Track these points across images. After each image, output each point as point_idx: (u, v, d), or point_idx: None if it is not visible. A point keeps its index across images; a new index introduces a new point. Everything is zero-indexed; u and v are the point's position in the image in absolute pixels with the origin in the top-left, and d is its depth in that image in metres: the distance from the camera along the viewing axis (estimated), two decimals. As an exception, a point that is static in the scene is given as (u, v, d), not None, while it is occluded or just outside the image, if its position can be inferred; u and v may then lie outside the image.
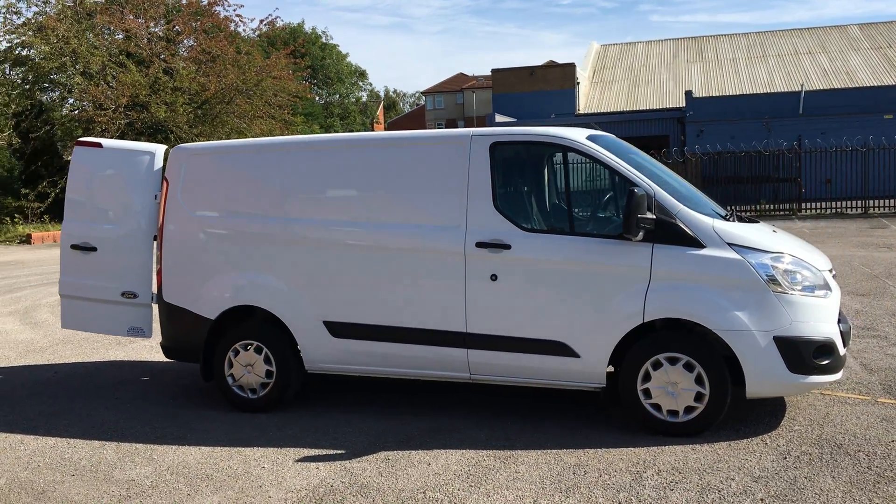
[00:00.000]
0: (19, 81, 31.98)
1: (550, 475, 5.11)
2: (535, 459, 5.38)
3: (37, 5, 30.87)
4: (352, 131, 57.94)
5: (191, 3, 32.77)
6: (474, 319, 6.09)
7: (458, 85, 75.00)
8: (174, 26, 32.67)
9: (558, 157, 6.07)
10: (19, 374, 8.41)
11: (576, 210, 6.21)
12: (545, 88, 45.53)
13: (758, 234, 5.87)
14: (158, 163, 7.14)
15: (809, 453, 5.33)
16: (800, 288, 5.66)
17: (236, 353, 6.73)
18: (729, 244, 5.66)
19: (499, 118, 41.31)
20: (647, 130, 40.06)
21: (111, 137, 25.71)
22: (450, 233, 6.13)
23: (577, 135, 6.08)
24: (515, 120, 42.95)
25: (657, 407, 5.77)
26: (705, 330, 5.63)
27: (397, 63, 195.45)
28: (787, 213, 27.28)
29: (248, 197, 6.80)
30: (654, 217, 5.70)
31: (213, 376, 6.83)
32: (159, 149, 7.20)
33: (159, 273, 6.99)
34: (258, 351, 6.67)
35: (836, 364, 5.72)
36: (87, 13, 30.61)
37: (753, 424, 5.92)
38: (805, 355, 5.57)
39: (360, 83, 61.36)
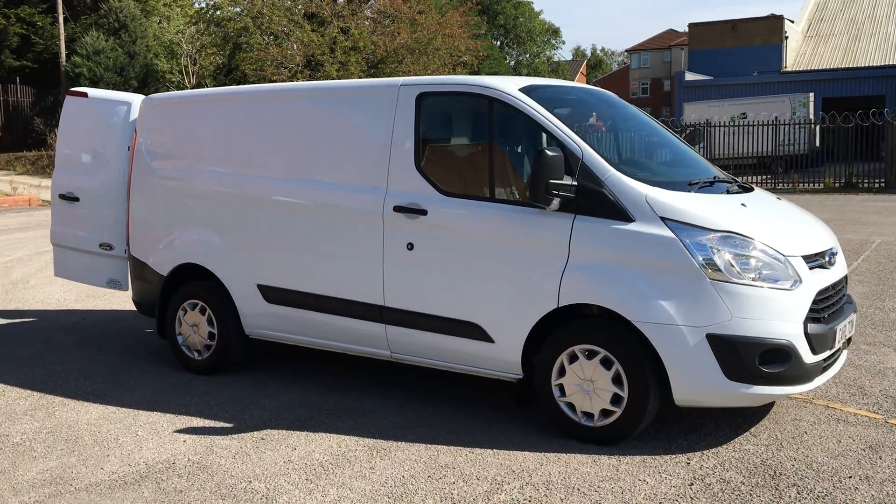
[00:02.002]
0: (220, 41, 34.01)
1: (399, 477, 4.46)
2: (408, 456, 4.74)
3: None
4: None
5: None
6: (391, 292, 5.47)
7: (665, 42, 71.10)
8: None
9: (488, 109, 5.24)
10: (53, 317, 8.74)
11: (509, 173, 5.38)
12: (748, 43, 42.15)
13: (709, 206, 4.78)
14: (134, 113, 7.02)
15: (728, 481, 4.30)
16: (752, 276, 4.56)
17: (185, 312, 6.53)
18: (662, 218, 4.65)
19: (690, 76, 38.88)
20: (861, 90, 36.18)
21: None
22: (370, 194, 5.52)
23: (507, 85, 5.22)
24: (711, 78, 40.21)
25: (572, 407, 4.92)
26: (624, 321, 4.69)
27: (607, 20, 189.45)
28: None
29: (191, 150, 6.54)
30: (575, 183, 4.79)
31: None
32: (136, 98, 7.09)
33: (128, 226, 6.93)
34: (202, 311, 6.43)
35: (794, 374, 4.58)
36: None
37: (699, 436, 4.91)
38: (746, 360, 4.49)
39: (553, 41, 59.84)
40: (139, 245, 6.82)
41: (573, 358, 4.86)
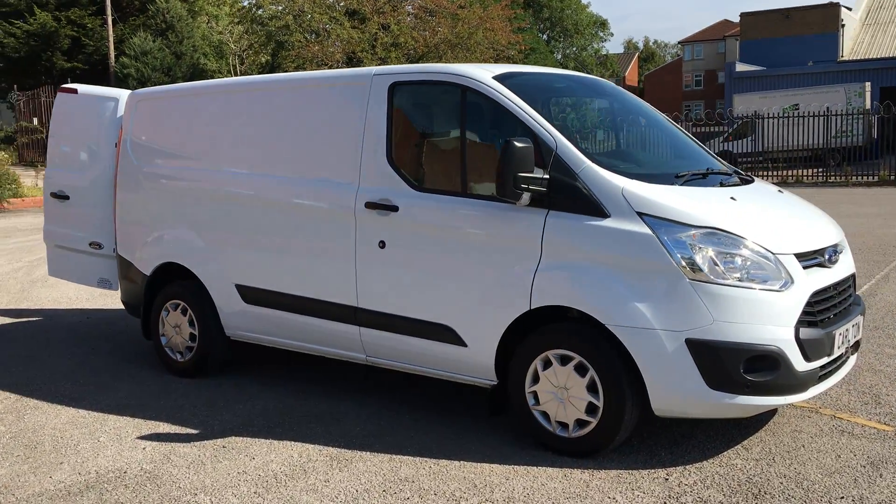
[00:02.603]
0: (264, 40, 34.20)
1: (352, 491, 4.18)
2: (368, 467, 4.46)
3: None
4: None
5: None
6: (364, 293, 5.19)
7: (719, 33, 69.34)
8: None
9: (461, 99, 4.92)
10: (61, 316, 8.68)
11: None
12: (802, 32, 40.87)
13: (692, 200, 4.40)
14: (121, 109, 6.87)
15: (705, 501, 3.93)
16: (738, 276, 4.17)
17: (167, 312, 6.35)
18: (639, 213, 4.28)
19: (740, 67, 37.85)
20: (920, 79, 34.77)
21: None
22: (343, 189, 5.25)
23: (480, 73, 4.90)
24: (763, 69, 39.11)
25: (546, 416, 4.58)
26: (599, 324, 4.34)
27: (661, 11, 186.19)
28: None
29: (171, 146, 6.36)
30: (547, 176, 4.45)
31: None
32: (124, 94, 6.94)
33: (115, 224, 6.79)
34: (184, 312, 6.24)
35: (784, 383, 4.18)
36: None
37: (685, 449, 4.53)
38: (730, 367, 4.11)
39: (601, 34, 58.71)
40: (125, 244, 6.67)
41: (547, 364, 4.53)
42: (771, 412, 5.04)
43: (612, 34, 73.21)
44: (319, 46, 29.92)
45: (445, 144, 5.06)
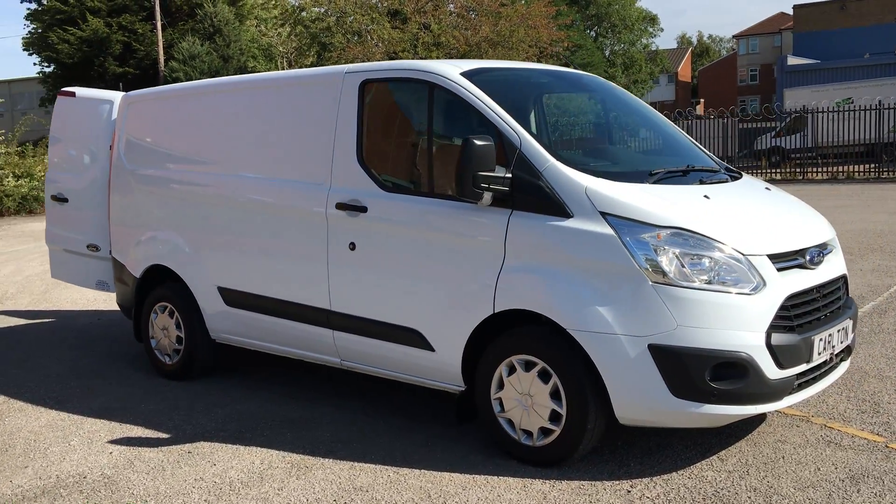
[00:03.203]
0: (308, 41, 34.43)
1: (303, 500, 4.06)
2: (327, 475, 4.35)
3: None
4: (636, 81, 54.96)
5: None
6: (337, 296, 5.09)
7: (775, 26, 67.57)
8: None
9: (428, 96, 4.78)
10: (73, 317, 8.78)
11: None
12: (858, 24, 39.65)
13: (659, 199, 4.18)
14: (115, 112, 6.90)
15: (664, 516, 3.74)
16: (705, 279, 3.96)
17: (156, 315, 6.34)
18: (602, 213, 4.09)
19: (792, 60, 36.86)
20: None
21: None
22: (315, 190, 5.15)
23: (448, 69, 4.75)
24: (816, 62, 38.05)
25: (512, 423, 4.42)
26: (562, 329, 4.16)
27: (717, 5, 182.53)
28: None
29: (158, 147, 6.35)
30: (509, 175, 4.29)
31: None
32: (118, 97, 6.96)
33: (109, 227, 6.81)
34: (171, 315, 6.22)
35: (753, 391, 3.94)
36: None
37: (657, 459, 4.33)
38: (695, 374, 3.90)
39: (651, 29, 57.67)
40: (118, 246, 6.69)
41: (512, 369, 4.37)
42: (758, 420, 4.81)
43: (661, 29, 72.00)
44: (361, 47, 29.97)
45: (414, 143, 4.92)
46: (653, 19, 57.71)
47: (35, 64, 39.38)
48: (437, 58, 29.25)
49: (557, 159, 4.28)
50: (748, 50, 69.73)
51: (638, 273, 3.95)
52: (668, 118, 31.25)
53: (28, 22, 42.12)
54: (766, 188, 4.95)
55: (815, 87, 32.82)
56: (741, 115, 28.35)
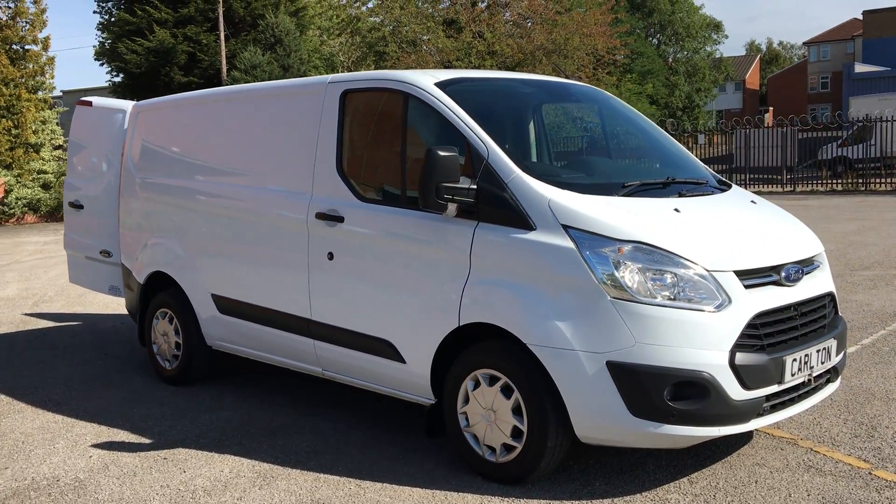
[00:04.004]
0: (364, 50, 34.77)
1: (258, 508, 4.09)
2: (288, 486, 4.33)
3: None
4: (699, 90, 53.93)
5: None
6: (317, 305, 5.09)
7: (848, 32, 65.53)
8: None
9: (403, 106, 4.75)
10: (98, 321, 8.99)
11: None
12: (932, 30, 38.26)
13: (623, 213, 4.06)
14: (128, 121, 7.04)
15: (613, 539, 3.62)
16: (667, 294, 3.84)
17: (157, 320, 6.45)
18: (564, 226, 4.00)
19: (860, 68, 35.74)
20: None
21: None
22: (297, 200, 5.16)
23: (422, 79, 4.71)
24: (886, 69, 36.83)
25: (477, 438, 4.35)
26: (522, 343, 4.08)
27: (789, 12, 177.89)
28: None
29: (160, 155, 6.46)
30: (474, 187, 4.23)
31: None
32: (131, 106, 7.11)
33: (119, 233, 6.95)
34: (171, 321, 6.31)
35: (715, 412, 3.80)
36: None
37: (624, 479, 4.20)
38: (653, 393, 3.77)
39: (715, 36, 56.46)
40: (126, 253, 6.82)
41: (477, 384, 4.30)
42: (740, 441, 4.63)
43: (726, 36, 70.33)
44: (415, 56, 30.12)
45: (389, 153, 4.90)
46: (717, 26, 56.63)
47: (106, 73, 40.61)
48: (491, 66, 29.25)
49: (524, 170, 4.21)
50: (819, 57, 67.94)
51: (596, 288, 3.84)
52: (727, 128, 30.50)
53: (99, 33, 43.47)
54: (752, 201, 4.78)
55: (883, 96, 31.75)
56: (812, 123, 27.41)
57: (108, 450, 5.00)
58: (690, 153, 5.36)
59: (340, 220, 4.87)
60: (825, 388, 4.40)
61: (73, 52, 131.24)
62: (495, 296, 4.17)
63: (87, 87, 57.67)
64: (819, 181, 26.47)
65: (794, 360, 4.00)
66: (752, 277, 3.98)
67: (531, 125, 5.29)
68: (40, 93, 25.21)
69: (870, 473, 4.19)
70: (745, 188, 26.49)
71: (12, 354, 7.59)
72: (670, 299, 3.82)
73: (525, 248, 4.06)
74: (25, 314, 9.64)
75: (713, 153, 34.25)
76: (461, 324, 4.29)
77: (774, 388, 3.95)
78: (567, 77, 28.70)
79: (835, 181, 25.93)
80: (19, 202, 24.02)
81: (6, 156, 24.12)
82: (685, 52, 54.43)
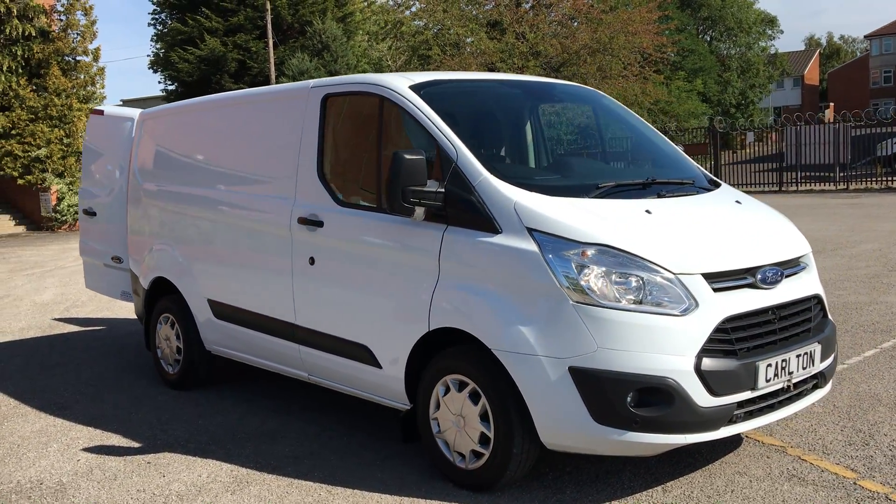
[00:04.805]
0: (409, 54, 34.90)
1: (225, 513, 4.09)
2: (260, 492, 4.32)
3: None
4: (753, 86, 52.73)
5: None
6: (301, 310, 5.09)
7: (911, 24, 63.75)
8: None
9: (379, 110, 4.72)
10: (123, 326, 9.16)
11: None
12: None
13: (589, 215, 3.96)
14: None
15: (570, 549, 3.52)
16: (630, 298, 3.73)
17: (160, 325, 6.53)
18: (529, 229, 3.92)
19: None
20: None
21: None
22: (282, 205, 5.17)
23: (397, 82, 4.67)
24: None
25: (448, 444, 4.29)
26: (488, 349, 4.01)
27: (858, 4, 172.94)
28: None
29: (160, 162, 6.54)
30: (441, 190, 4.18)
31: (156, 347, 6.73)
32: (137, 114, 7.21)
33: (128, 239, 7.06)
34: (172, 326, 6.39)
35: (681, 420, 3.67)
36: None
37: (598, 487, 4.09)
38: (615, 400, 3.67)
39: (769, 31, 54.96)
40: (133, 258, 6.92)
41: (448, 389, 4.25)
42: (728, 447, 4.49)
43: (781, 31, 68.63)
44: (458, 59, 30.11)
45: (366, 157, 4.87)
46: (772, 21, 55.28)
47: (159, 82, 41.53)
48: (534, 67, 29.07)
49: (493, 173, 4.14)
50: (881, 50, 65.97)
51: (559, 292, 3.76)
52: (777, 124, 29.70)
53: (153, 43, 44.50)
54: (737, 201, 4.62)
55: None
56: (866, 119, 26.53)
57: (97, 454, 5.07)
58: (683, 153, 5.22)
59: (320, 224, 4.86)
60: (811, 394, 4.24)
61: (128, 63, 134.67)
62: (463, 300, 4.11)
63: (144, 96, 59.13)
64: (874, 178, 25.65)
65: (770, 365, 3.86)
66: (723, 280, 3.85)
67: (512, 127, 5.21)
68: (91, 103, 25.80)
69: (854, 483, 4.02)
70: (797, 187, 25.84)
71: (32, 359, 7.77)
72: (635, 303, 3.72)
73: (491, 252, 4.00)
74: (55, 319, 9.87)
75: (765, 151, 33.51)
76: (431, 329, 4.24)
77: (747, 395, 3.82)
78: (607, 76, 28.40)
79: (891, 179, 25.09)
80: (71, 209, 24.63)
81: (59, 164, 24.78)
82: (738, 48, 53.26)
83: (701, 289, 3.76)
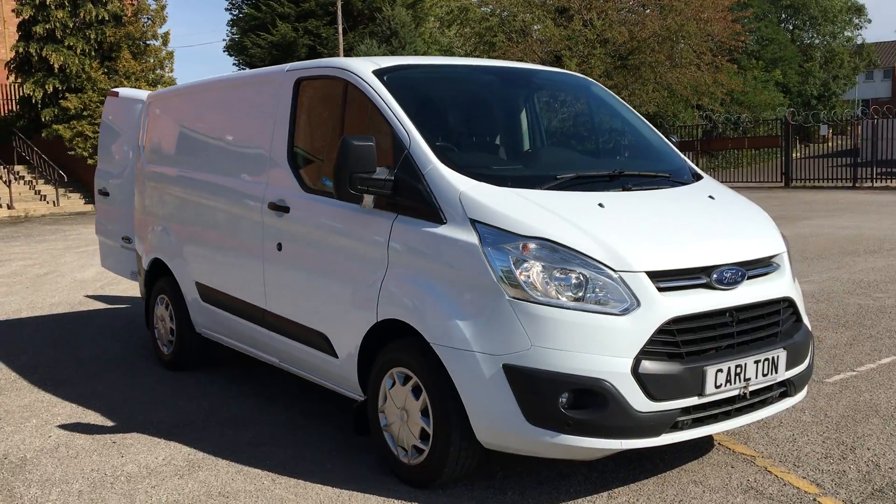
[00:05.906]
0: (475, 41, 34.72)
1: (161, 501, 4.06)
2: (206, 477, 4.29)
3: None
4: (836, 77, 50.59)
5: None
6: (270, 296, 5.05)
7: None
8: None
9: (343, 93, 4.62)
10: (137, 305, 9.30)
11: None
12: None
13: (534, 207, 3.78)
14: (146, 111, 7.22)
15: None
16: (569, 295, 3.56)
17: (157, 306, 6.59)
18: (472, 220, 3.78)
19: None
20: None
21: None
22: (255, 190, 5.14)
23: (361, 66, 4.56)
24: None
25: (393, 438, 4.19)
26: (426, 342, 3.88)
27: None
28: None
29: (158, 146, 6.60)
30: (391, 178, 4.06)
31: (158, 327, 6.80)
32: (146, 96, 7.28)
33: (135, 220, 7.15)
34: (167, 307, 6.44)
35: (615, 424, 3.49)
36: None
37: (544, 489, 3.94)
38: (547, 400, 3.51)
39: (857, 20, 52.47)
40: (138, 239, 7.01)
41: (394, 382, 4.14)
42: (694, 453, 4.28)
43: (869, 20, 65.64)
44: (523, 46, 29.76)
45: (330, 143, 4.78)
46: (859, 10, 52.86)
47: (233, 66, 42.46)
48: (601, 55, 28.52)
49: (443, 161, 4.00)
50: (980, 41, 62.58)
51: (495, 286, 3.61)
52: (853, 117, 28.46)
53: (229, 28, 45.33)
54: (710, 197, 4.36)
55: None
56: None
57: (69, 431, 5.13)
58: (670, 144, 4.97)
59: (287, 210, 4.81)
60: (777, 403, 3.99)
61: (206, 48, 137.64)
62: (407, 291, 3.99)
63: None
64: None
65: (720, 370, 3.63)
66: (671, 279, 3.63)
67: (480, 115, 5.04)
68: (159, 86, 26.40)
69: (814, 499, 3.77)
70: (871, 183, 24.63)
71: (49, 335, 7.95)
72: (575, 300, 3.54)
73: (434, 243, 3.87)
74: (87, 296, 10.10)
75: (843, 145, 32.18)
76: (379, 320, 4.14)
77: (694, 401, 3.60)
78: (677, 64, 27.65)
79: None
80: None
81: (126, 146, 25.45)
82: (822, 38, 51.12)
83: (644, 288, 3.55)
